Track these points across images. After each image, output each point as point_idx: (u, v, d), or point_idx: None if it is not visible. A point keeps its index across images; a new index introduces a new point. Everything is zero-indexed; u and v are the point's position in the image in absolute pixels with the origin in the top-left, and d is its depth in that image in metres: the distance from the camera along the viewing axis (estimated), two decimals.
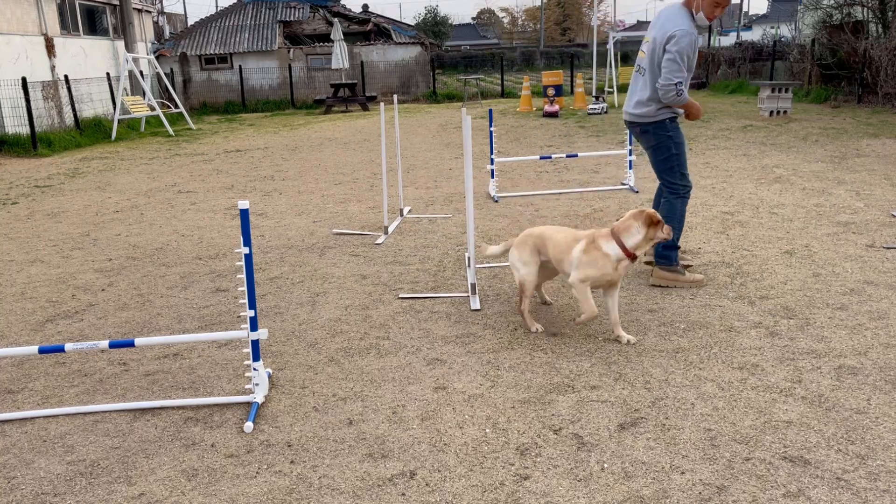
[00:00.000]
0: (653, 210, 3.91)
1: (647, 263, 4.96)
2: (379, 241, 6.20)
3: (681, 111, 4.69)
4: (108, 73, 19.06)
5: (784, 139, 11.08)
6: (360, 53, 24.38)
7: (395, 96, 7.61)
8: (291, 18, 25.25)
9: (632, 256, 3.81)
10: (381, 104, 6.74)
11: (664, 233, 3.87)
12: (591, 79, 22.04)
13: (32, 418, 3.36)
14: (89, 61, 19.94)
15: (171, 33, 32.71)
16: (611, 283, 3.88)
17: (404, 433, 3.06)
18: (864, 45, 15.61)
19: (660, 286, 4.70)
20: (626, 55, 32.88)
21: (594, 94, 18.47)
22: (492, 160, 7.74)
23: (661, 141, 4.72)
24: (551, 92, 17.01)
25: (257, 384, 3.37)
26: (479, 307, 4.47)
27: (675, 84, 4.45)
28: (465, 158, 4.58)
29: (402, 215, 7.12)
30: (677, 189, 4.73)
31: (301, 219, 7.28)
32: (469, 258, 4.75)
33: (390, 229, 6.56)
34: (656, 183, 4.99)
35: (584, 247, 3.86)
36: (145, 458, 2.97)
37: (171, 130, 16.79)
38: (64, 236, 7.02)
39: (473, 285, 4.64)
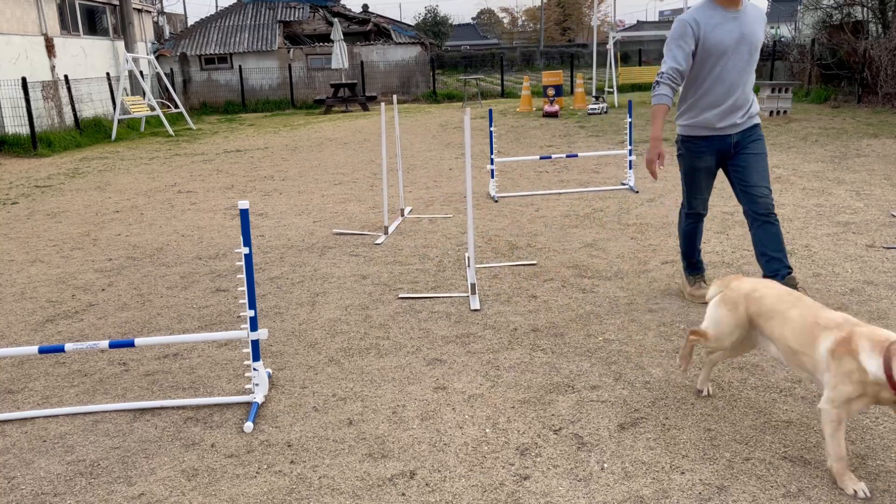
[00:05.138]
0: None
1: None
2: (379, 241, 6.20)
3: (700, 131, 4.16)
4: (108, 73, 19.07)
5: (784, 139, 11.08)
6: (360, 53, 24.38)
7: (395, 96, 7.61)
8: (291, 18, 25.24)
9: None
10: (382, 104, 6.74)
11: None
12: (591, 79, 22.04)
13: (32, 418, 3.35)
14: (89, 61, 19.94)
15: (171, 33, 32.72)
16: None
17: (404, 433, 3.06)
18: (864, 45, 15.61)
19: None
20: (626, 55, 32.90)
21: (594, 94, 18.47)
22: (492, 160, 7.74)
23: (677, 155, 4.40)
24: (551, 92, 17.01)
25: (257, 384, 3.37)
26: (479, 307, 4.47)
27: (658, 74, 4.07)
28: (466, 158, 4.58)
29: (402, 215, 7.12)
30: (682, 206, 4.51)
31: (301, 219, 7.28)
32: (469, 258, 4.76)
33: (390, 229, 6.56)
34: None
35: (833, 346, 2.52)
36: (145, 458, 2.97)
37: (171, 130, 16.79)
38: (64, 236, 7.02)
39: (473, 285, 4.64)
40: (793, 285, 3.92)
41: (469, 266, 4.78)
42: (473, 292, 4.63)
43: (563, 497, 2.58)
